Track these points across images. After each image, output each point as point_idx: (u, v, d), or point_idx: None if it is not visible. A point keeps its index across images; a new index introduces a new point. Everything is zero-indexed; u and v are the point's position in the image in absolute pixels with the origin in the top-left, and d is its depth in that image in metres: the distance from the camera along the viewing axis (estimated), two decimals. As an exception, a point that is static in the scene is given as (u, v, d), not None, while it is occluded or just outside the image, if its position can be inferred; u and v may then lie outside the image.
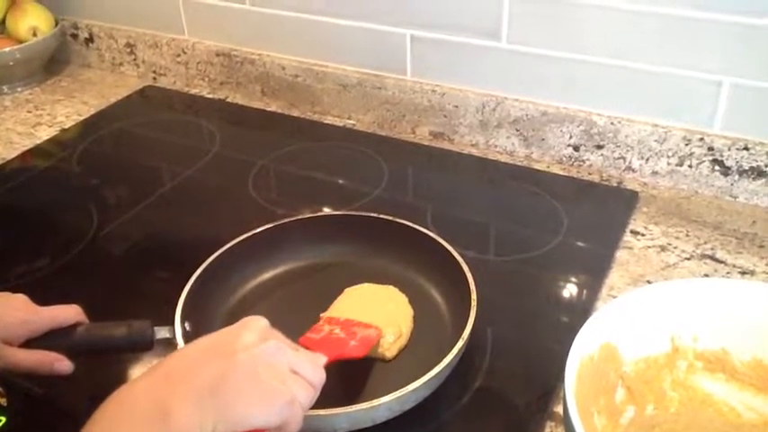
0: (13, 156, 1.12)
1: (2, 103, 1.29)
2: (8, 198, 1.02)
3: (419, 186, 1.03)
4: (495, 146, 1.06)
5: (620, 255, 0.84)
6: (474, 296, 0.69)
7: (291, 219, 0.84)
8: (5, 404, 0.66)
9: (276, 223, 0.83)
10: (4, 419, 0.68)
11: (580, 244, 0.87)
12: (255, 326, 0.54)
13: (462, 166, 1.05)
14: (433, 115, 1.08)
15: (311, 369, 0.53)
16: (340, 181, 1.03)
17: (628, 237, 0.87)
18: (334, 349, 0.65)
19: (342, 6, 1.07)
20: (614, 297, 0.78)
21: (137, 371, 0.72)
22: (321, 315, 0.75)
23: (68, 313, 0.64)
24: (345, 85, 1.13)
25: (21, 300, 0.63)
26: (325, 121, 1.17)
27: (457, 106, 1.05)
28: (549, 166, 1.02)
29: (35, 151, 1.14)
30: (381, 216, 0.83)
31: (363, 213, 0.84)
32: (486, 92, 1.03)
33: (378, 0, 1.04)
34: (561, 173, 1.00)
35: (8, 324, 0.60)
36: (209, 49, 1.24)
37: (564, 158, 1.01)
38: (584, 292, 0.80)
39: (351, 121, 1.16)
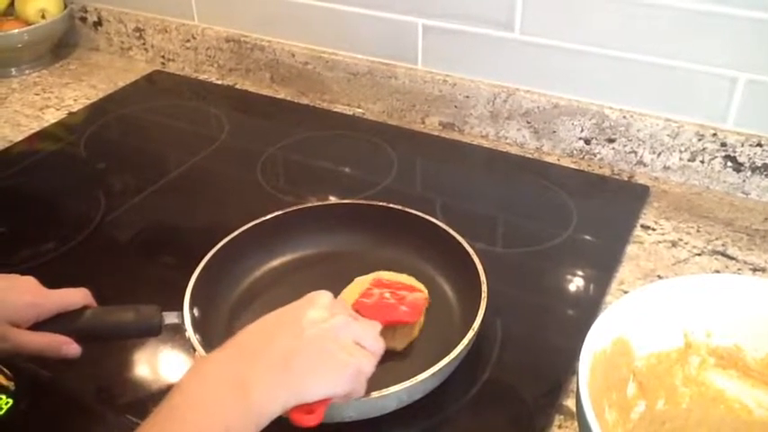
0: (20, 138, 1.11)
1: (9, 85, 1.28)
2: (15, 181, 1.02)
3: (428, 177, 1.02)
4: (506, 137, 1.05)
5: (631, 249, 0.84)
6: (485, 288, 0.69)
7: (299, 207, 0.84)
8: (13, 388, 0.66)
9: (284, 211, 0.83)
10: (11, 402, 0.68)
11: (590, 238, 0.87)
12: (321, 301, 0.58)
13: (472, 158, 1.04)
14: (443, 105, 1.07)
15: (373, 340, 0.58)
16: (348, 170, 1.03)
17: (638, 231, 0.87)
18: (387, 314, 0.69)
19: (352, -7, 1.07)
20: (624, 292, 0.77)
21: (144, 356, 0.72)
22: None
23: (76, 296, 0.64)
24: (355, 74, 1.12)
25: (29, 282, 0.63)
26: (335, 110, 1.16)
27: (468, 97, 1.05)
28: (559, 159, 1.01)
29: (42, 134, 1.14)
30: (391, 205, 0.82)
31: (373, 202, 0.84)
32: (497, 83, 1.02)
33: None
34: (572, 166, 1.00)
35: (16, 306, 0.60)
36: (218, 35, 1.23)
37: (575, 151, 1.01)
38: (594, 286, 0.79)
39: (360, 110, 1.15)
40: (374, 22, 1.07)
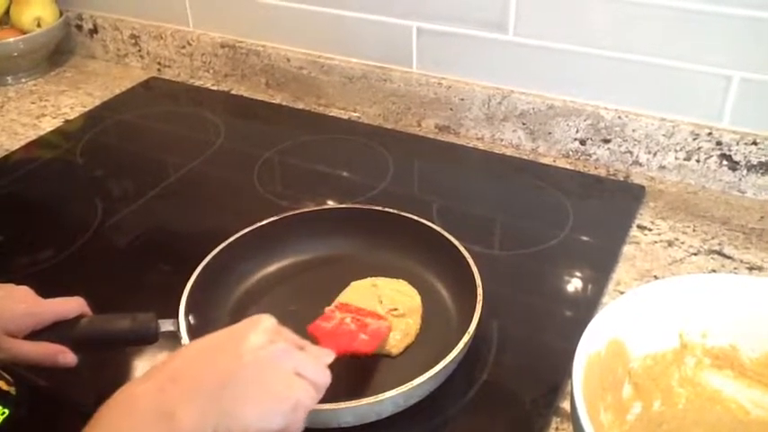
0: (17, 147, 1.12)
1: (6, 93, 1.28)
2: (12, 189, 1.02)
3: (424, 180, 1.02)
4: (501, 139, 1.05)
5: (627, 250, 0.84)
6: (480, 291, 0.69)
7: (296, 212, 0.84)
8: (14, 393, 0.66)
9: (280, 216, 0.83)
10: (8, 411, 0.67)
11: (586, 239, 0.87)
12: (263, 326, 0.53)
13: (468, 160, 1.04)
14: (438, 108, 1.07)
15: (316, 371, 0.53)
16: (345, 174, 1.03)
17: (635, 231, 0.87)
18: (343, 343, 0.65)
19: (347, -3, 1.07)
20: (621, 292, 0.77)
21: (141, 364, 0.72)
22: (325, 309, 0.74)
23: (71, 306, 0.64)
24: (351, 78, 1.13)
25: (24, 291, 0.63)
26: (331, 114, 1.16)
27: (463, 99, 1.05)
28: (555, 160, 1.01)
29: (39, 142, 1.14)
30: (387, 209, 0.82)
31: (368, 206, 0.84)
32: (492, 85, 1.02)
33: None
34: (568, 167, 1.00)
35: (12, 316, 0.59)
36: (213, 41, 1.23)
37: (570, 152, 1.01)
38: (591, 286, 0.79)
39: (356, 114, 1.15)
40: (369, 26, 1.07)
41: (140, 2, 1.28)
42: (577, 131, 0.98)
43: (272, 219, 0.82)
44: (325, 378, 0.54)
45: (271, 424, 0.49)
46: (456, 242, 0.76)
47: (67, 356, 0.62)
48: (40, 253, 0.88)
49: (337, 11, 1.09)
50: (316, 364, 0.54)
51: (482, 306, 0.68)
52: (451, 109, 1.06)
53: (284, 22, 1.15)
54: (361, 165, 1.04)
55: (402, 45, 1.06)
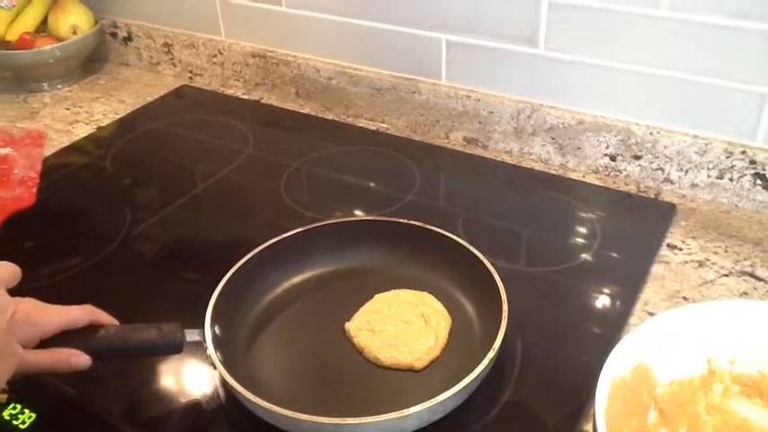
0: (51, 153, 1.13)
1: (41, 99, 1.31)
2: (43, 195, 1.03)
3: (451, 193, 1.02)
4: (530, 153, 1.04)
5: (657, 269, 0.82)
6: (505, 307, 0.68)
7: (321, 223, 0.84)
8: (4, 401, 0.67)
9: (306, 227, 0.83)
10: (34, 416, 0.69)
11: (615, 256, 0.85)
12: None
13: (496, 174, 1.03)
14: (467, 121, 1.07)
15: None
16: (372, 185, 1.03)
17: (664, 251, 0.85)
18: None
19: (377, 9, 1.07)
20: (649, 313, 0.76)
21: (167, 372, 0.73)
22: (347, 324, 0.74)
23: (78, 313, 0.64)
24: (379, 89, 1.13)
25: (29, 303, 0.63)
26: (359, 125, 1.16)
27: (492, 112, 1.04)
28: (584, 176, 1.00)
29: (72, 148, 1.16)
30: (412, 222, 0.82)
31: (394, 219, 0.83)
32: (521, 98, 1.01)
33: (413, 4, 1.03)
34: (597, 183, 0.99)
35: (19, 328, 0.59)
36: (244, 50, 1.24)
37: (600, 168, 0.99)
38: (618, 306, 0.78)
39: (384, 125, 1.15)
40: (398, 38, 1.07)
41: (174, 11, 1.30)
42: (607, 147, 0.97)
43: (297, 230, 0.82)
44: None
45: None
46: (482, 257, 0.75)
47: (80, 359, 0.63)
48: (68, 260, 0.89)
49: (367, 22, 1.09)
50: None
51: (507, 323, 0.67)
52: (480, 122, 1.06)
53: (314, 32, 1.15)
54: (388, 176, 1.04)
55: (431, 57, 1.06)
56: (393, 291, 0.78)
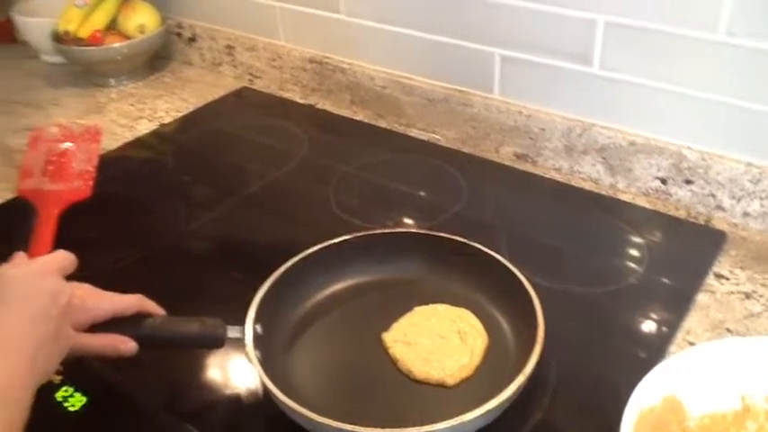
0: (114, 147, 1.18)
1: (108, 95, 1.36)
2: (104, 188, 1.07)
3: (498, 207, 1.02)
4: (580, 172, 1.04)
5: (701, 298, 0.81)
6: (541, 331, 0.68)
7: (367, 233, 0.85)
8: (58, 382, 0.71)
9: (352, 236, 0.84)
10: (84, 400, 0.72)
11: (660, 282, 0.84)
12: None
13: (544, 191, 1.03)
14: (518, 136, 1.07)
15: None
16: (419, 194, 1.04)
17: (711, 279, 0.84)
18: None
19: (432, 21, 1.08)
20: (690, 342, 0.75)
21: (210, 366, 0.75)
22: (384, 334, 0.76)
23: (129, 302, 0.68)
24: (432, 100, 1.14)
25: (83, 288, 0.67)
26: (410, 134, 1.18)
27: (543, 129, 1.04)
28: (634, 198, 0.99)
29: (134, 144, 1.20)
30: (455, 237, 0.82)
31: (437, 233, 0.84)
32: (573, 116, 1.01)
33: (468, 18, 1.04)
34: (647, 206, 0.97)
35: (73, 312, 0.63)
36: (302, 56, 1.27)
37: (650, 191, 0.98)
38: (659, 332, 0.77)
39: (435, 136, 1.16)
40: (452, 50, 1.08)
41: (236, 14, 1.33)
42: (659, 170, 0.96)
43: (343, 238, 0.84)
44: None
45: None
46: (521, 277, 0.76)
47: (129, 346, 0.66)
48: (122, 251, 0.93)
49: (422, 33, 1.10)
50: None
51: (542, 346, 0.67)
52: (531, 138, 1.06)
53: (370, 41, 1.17)
54: (436, 187, 1.05)
55: (485, 71, 1.06)
56: (433, 305, 0.79)
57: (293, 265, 0.80)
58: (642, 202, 0.98)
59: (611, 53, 0.94)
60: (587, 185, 1.02)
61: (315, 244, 0.83)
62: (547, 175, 1.05)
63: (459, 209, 0.99)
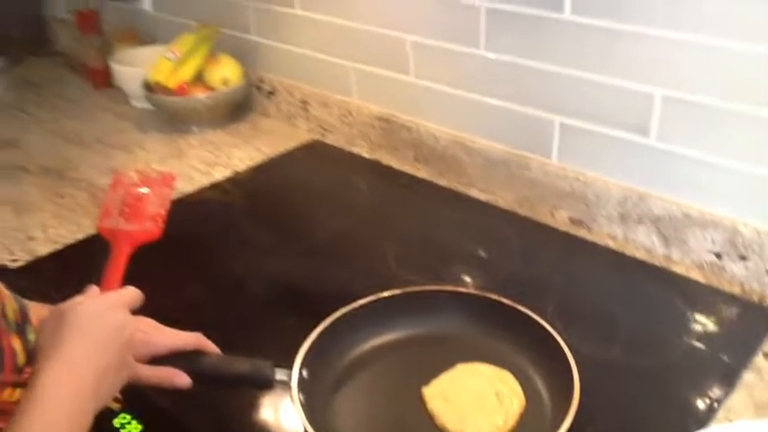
0: (190, 190, 1.26)
1: (189, 141, 1.45)
2: (177, 229, 1.12)
3: (550, 271, 1.03)
4: (634, 241, 1.04)
5: (748, 377, 0.80)
6: (575, 402, 0.70)
7: (416, 289, 0.89)
8: (117, 409, 0.76)
9: (402, 290, 0.88)
10: (140, 428, 0.77)
11: (706, 356, 0.84)
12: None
13: (597, 257, 1.04)
14: (574, 202, 1.09)
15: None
16: (474, 253, 1.07)
17: (760, 359, 0.83)
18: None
19: (495, 86, 1.12)
20: (730, 420, 0.74)
21: (256, 402, 0.80)
22: (424, 388, 0.78)
23: (188, 339, 0.74)
24: (492, 161, 1.17)
25: (147, 323, 0.73)
26: (470, 194, 1.21)
27: (598, 196, 1.05)
28: (687, 270, 0.99)
29: (209, 189, 1.28)
30: (502, 300, 0.85)
31: (484, 294, 0.87)
32: (629, 186, 1.02)
33: (529, 84, 1.08)
34: (700, 279, 0.97)
35: (135, 345, 0.69)
36: (371, 113, 1.33)
37: (705, 264, 0.98)
38: (700, 409, 0.77)
39: (493, 197, 1.19)
40: (513, 115, 1.12)
41: (312, 71, 1.41)
42: (713, 244, 0.96)
43: (393, 292, 0.87)
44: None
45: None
46: (561, 342, 0.77)
47: (182, 380, 0.71)
48: (185, 289, 0.99)
49: (485, 98, 1.14)
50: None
51: (575, 413, 0.68)
52: (586, 204, 1.07)
53: (435, 102, 1.22)
54: (490, 247, 1.07)
55: (544, 136, 1.09)
56: (475, 363, 0.81)
57: (343, 315, 0.84)
58: (696, 275, 0.98)
59: (668, 125, 0.95)
60: (641, 255, 1.03)
61: (367, 295, 0.87)
62: (601, 242, 1.06)
63: (512, 270, 1.01)
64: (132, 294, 0.71)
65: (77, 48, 1.79)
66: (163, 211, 0.89)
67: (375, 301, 0.87)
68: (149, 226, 0.86)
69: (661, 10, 0.90)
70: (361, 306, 0.86)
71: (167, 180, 0.90)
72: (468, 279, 0.99)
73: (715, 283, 0.96)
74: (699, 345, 0.85)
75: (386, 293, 0.88)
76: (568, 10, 0.98)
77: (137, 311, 0.70)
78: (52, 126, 1.55)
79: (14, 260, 1.08)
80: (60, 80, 1.82)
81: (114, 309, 0.67)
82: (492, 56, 1.10)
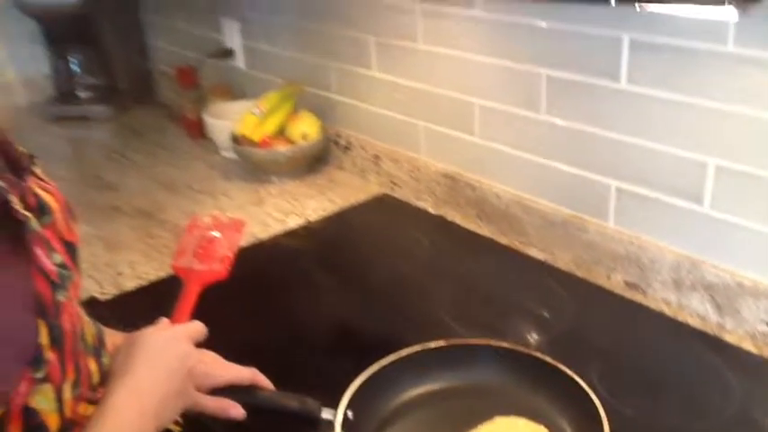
0: (264, 236, 1.35)
1: (268, 190, 1.55)
2: (247, 271, 1.19)
3: (601, 332, 1.04)
4: (688, 307, 1.04)
5: (792, 451, 0.80)
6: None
7: (462, 341, 0.92)
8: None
9: (449, 342, 0.92)
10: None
11: (748, 429, 0.83)
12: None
13: (650, 322, 1.05)
14: (629, 265, 1.10)
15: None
16: (527, 311, 1.09)
17: (806, 434, 0.82)
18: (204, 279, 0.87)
19: (554, 149, 1.16)
20: (768, 495, 0.74)
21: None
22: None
23: (244, 374, 0.81)
24: (551, 222, 1.20)
25: (209, 356, 0.80)
26: (528, 253, 1.24)
27: (653, 261, 1.07)
28: (740, 340, 0.98)
29: (282, 235, 1.36)
30: (546, 358, 0.87)
31: (527, 350, 0.90)
32: (683, 252, 1.03)
33: (587, 149, 1.11)
34: (752, 350, 0.96)
35: (196, 375, 0.76)
36: (438, 170, 1.39)
37: (757, 335, 0.97)
38: (739, 480, 0.77)
39: (551, 257, 1.21)
40: (571, 178, 1.15)
41: (385, 129, 1.49)
42: (767, 314, 0.95)
43: (440, 343, 0.91)
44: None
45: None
46: (599, 405, 0.79)
47: (238, 411, 0.78)
48: (248, 327, 1.06)
49: (545, 160, 1.18)
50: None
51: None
52: (641, 268, 1.09)
53: (498, 162, 1.27)
54: (543, 306, 1.10)
55: (601, 200, 1.12)
56: (514, 417, 0.84)
57: (390, 362, 0.89)
58: (748, 345, 0.97)
59: (722, 194, 0.97)
60: (693, 322, 1.03)
61: (417, 343, 0.91)
62: (654, 307, 1.07)
63: (563, 329, 1.03)
64: (197, 328, 0.79)
65: (177, 100, 1.95)
66: (231, 254, 0.97)
67: (421, 351, 0.91)
68: (218, 267, 0.94)
69: (713, 82, 0.93)
70: (408, 355, 0.90)
71: (238, 226, 0.98)
72: (517, 336, 1.02)
73: (767, 354, 0.95)
74: (740, 416, 0.85)
75: (432, 344, 0.92)
76: (624, 80, 1.02)
77: (201, 345, 0.78)
78: (149, 171, 1.69)
79: (103, 293, 1.19)
80: (161, 129, 1.99)
81: (180, 340, 0.75)
82: (552, 120, 1.15)
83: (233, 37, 1.84)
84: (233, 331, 1.03)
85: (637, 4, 0.93)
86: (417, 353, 0.91)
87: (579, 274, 1.17)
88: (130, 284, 1.21)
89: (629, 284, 1.11)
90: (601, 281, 1.14)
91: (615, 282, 1.13)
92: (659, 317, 1.05)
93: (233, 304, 1.07)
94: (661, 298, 1.07)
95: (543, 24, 1.10)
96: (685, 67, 0.95)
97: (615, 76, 1.03)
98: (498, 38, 1.19)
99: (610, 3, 0.95)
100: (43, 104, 2.16)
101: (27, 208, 0.60)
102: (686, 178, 1.00)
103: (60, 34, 2.15)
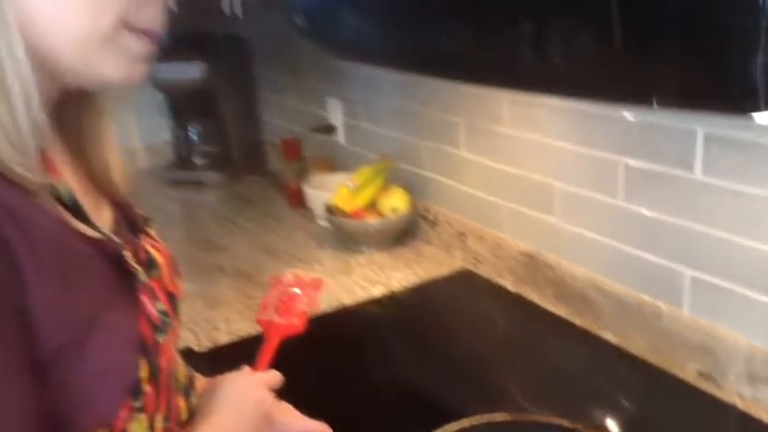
0: (350, 303, 1.43)
1: (357, 260, 1.64)
2: (331, 332, 1.29)
3: (669, 421, 1.04)
4: (763, 401, 1.03)
5: None
6: None
7: (529, 418, 0.98)
8: None
9: (515, 417, 0.96)
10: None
11: None
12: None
13: (720, 415, 1.03)
14: (703, 355, 1.10)
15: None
16: (597, 394, 1.10)
17: None
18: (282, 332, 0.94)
19: (631, 235, 1.19)
20: None
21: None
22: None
23: (315, 427, 0.87)
24: (626, 306, 1.21)
25: (284, 405, 0.87)
26: (603, 336, 1.25)
27: (728, 352, 1.06)
28: (815, 440, 0.96)
29: (366, 303, 1.44)
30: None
31: None
32: (757, 344, 1.02)
33: (662, 236, 1.13)
34: (827, 450, 0.94)
35: (271, 421, 0.82)
36: (519, 249, 1.43)
37: (834, 436, 0.95)
38: None
39: (625, 341, 1.22)
40: (646, 264, 1.16)
41: (471, 206, 1.55)
42: (844, 416, 0.93)
43: (506, 417, 0.96)
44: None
45: None
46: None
47: None
48: (321, 381, 1.12)
49: (622, 245, 1.20)
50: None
51: None
52: (715, 359, 1.08)
53: (576, 243, 1.30)
54: (614, 390, 1.11)
55: (675, 287, 1.12)
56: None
57: (450, 427, 0.93)
58: (823, 445, 0.95)
59: (796, 290, 0.96)
60: (767, 418, 1.01)
61: (480, 413, 0.95)
62: (727, 400, 1.05)
63: (631, 415, 1.04)
64: (275, 377, 0.86)
65: (282, 170, 2.10)
66: (308, 310, 1.04)
67: (484, 424, 0.95)
68: (296, 321, 1.01)
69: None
70: (472, 426, 0.95)
71: (317, 284, 1.06)
72: (584, 417, 1.03)
73: (844, 457, 0.92)
74: None
75: (498, 416, 0.96)
76: (699, 171, 1.05)
77: (277, 394, 0.85)
78: (253, 236, 1.83)
79: (199, 345, 1.29)
80: (267, 197, 2.14)
81: (258, 387, 0.83)
82: (628, 206, 1.18)
83: (336, 114, 1.98)
84: (307, 384, 1.09)
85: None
86: (482, 424, 0.95)
87: (653, 360, 1.17)
88: (224, 339, 1.32)
89: (702, 375, 1.11)
90: (674, 369, 1.14)
91: (689, 371, 1.12)
92: (731, 410, 1.03)
93: (312, 361, 1.15)
94: (735, 391, 1.06)
95: (631, 118, 1.14)
96: (757, 159, 0.97)
97: (689, 167, 1.06)
98: (581, 126, 1.24)
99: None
100: (163, 169, 2.37)
101: (138, 262, 0.70)
102: (761, 271, 1.00)
103: (184, 106, 2.38)
